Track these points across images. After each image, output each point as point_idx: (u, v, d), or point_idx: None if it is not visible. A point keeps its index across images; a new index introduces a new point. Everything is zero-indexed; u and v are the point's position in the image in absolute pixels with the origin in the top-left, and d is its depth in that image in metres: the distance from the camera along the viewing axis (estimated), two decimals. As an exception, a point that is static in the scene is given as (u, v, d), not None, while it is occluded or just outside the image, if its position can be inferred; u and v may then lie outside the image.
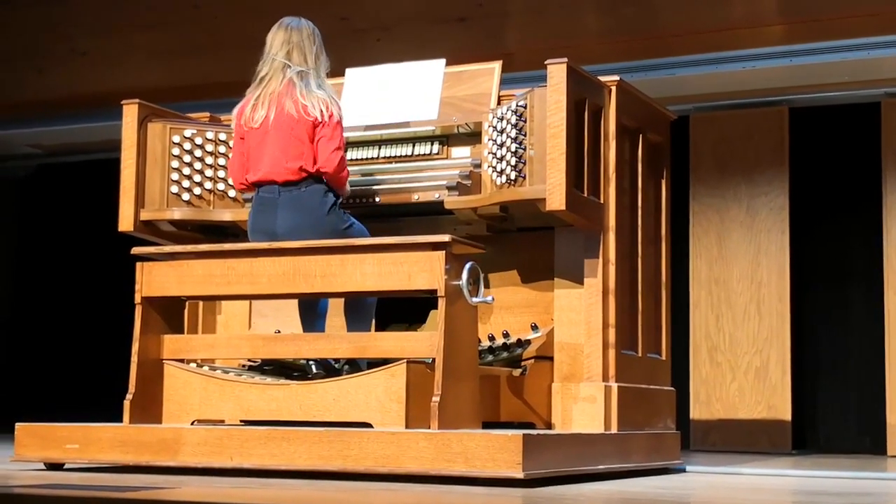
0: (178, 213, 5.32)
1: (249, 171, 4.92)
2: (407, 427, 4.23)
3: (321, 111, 4.81)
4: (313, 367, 4.85)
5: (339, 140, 4.86)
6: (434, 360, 4.28)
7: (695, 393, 7.83)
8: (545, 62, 4.66)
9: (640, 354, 5.09)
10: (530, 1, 7.74)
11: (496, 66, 5.26)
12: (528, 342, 4.96)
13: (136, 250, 4.88)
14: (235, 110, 5.00)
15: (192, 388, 4.60)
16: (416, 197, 5.01)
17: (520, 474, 3.89)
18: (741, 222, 7.85)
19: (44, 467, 4.62)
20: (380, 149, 5.30)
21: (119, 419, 4.61)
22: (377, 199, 5.08)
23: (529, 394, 4.86)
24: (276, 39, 4.95)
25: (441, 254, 4.32)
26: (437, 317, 4.32)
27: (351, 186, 5.08)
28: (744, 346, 7.76)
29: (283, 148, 4.82)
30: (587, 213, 4.75)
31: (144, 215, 5.31)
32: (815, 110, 7.85)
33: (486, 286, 4.73)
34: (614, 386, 4.81)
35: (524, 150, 4.72)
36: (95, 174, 8.92)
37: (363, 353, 4.51)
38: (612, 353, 4.83)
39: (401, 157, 5.30)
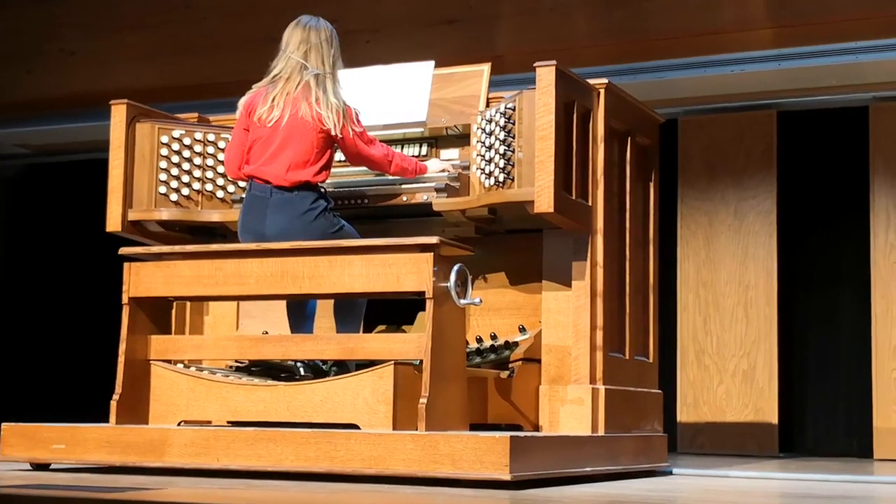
0: (166, 214, 5.31)
1: (249, 162, 4.87)
2: (394, 429, 4.22)
3: (334, 124, 4.75)
4: (301, 368, 4.83)
5: (371, 141, 4.84)
6: (422, 361, 4.28)
7: (682, 395, 7.84)
8: (534, 64, 4.66)
9: (627, 357, 5.10)
10: (520, 3, 7.75)
11: (485, 68, 5.26)
12: (516, 344, 4.96)
13: (123, 251, 4.87)
14: (244, 100, 4.91)
15: (179, 389, 4.59)
16: (404, 198, 5.01)
17: (507, 476, 3.89)
18: (729, 225, 7.86)
19: (30, 467, 4.61)
20: (369, 150, 5.30)
21: (106, 420, 4.60)
22: (366, 201, 5.08)
23: (517, 396, 4.86)
24: (293, 37, 4.86)
25: (429, 255, 4.32)
26: (424, 318, 4.32)
27: (340, 188, 5.07)
28: (731, 348, 7.77)
29: (291, 155, 4.76)
30: (575, 216, 4.75)
31: (132, 216, 5.30)
32: (804, 114, 7.87)
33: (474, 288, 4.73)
34: (602, 388, 4.81)
35: (512, 152, 4.72)
36: (84, 174, 8.90)
37: (350, 354, 4.51)
38: (599, 355, 4.83)
39: (390, 158, 5.29)
